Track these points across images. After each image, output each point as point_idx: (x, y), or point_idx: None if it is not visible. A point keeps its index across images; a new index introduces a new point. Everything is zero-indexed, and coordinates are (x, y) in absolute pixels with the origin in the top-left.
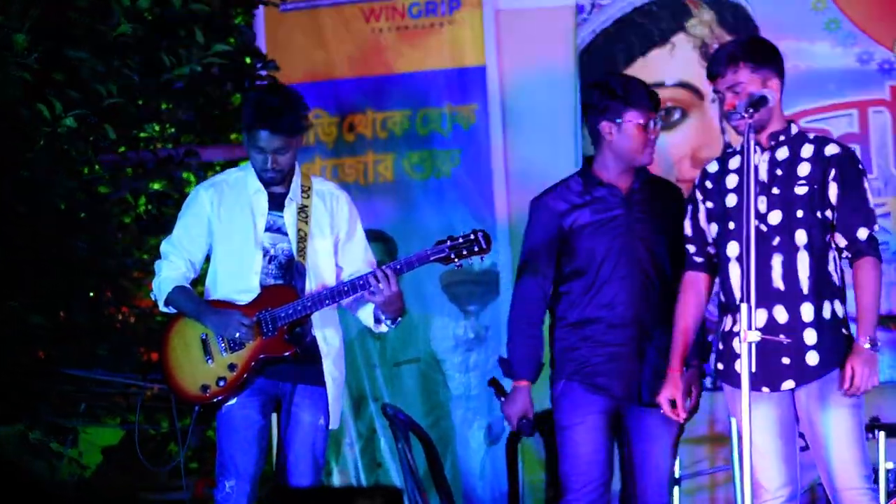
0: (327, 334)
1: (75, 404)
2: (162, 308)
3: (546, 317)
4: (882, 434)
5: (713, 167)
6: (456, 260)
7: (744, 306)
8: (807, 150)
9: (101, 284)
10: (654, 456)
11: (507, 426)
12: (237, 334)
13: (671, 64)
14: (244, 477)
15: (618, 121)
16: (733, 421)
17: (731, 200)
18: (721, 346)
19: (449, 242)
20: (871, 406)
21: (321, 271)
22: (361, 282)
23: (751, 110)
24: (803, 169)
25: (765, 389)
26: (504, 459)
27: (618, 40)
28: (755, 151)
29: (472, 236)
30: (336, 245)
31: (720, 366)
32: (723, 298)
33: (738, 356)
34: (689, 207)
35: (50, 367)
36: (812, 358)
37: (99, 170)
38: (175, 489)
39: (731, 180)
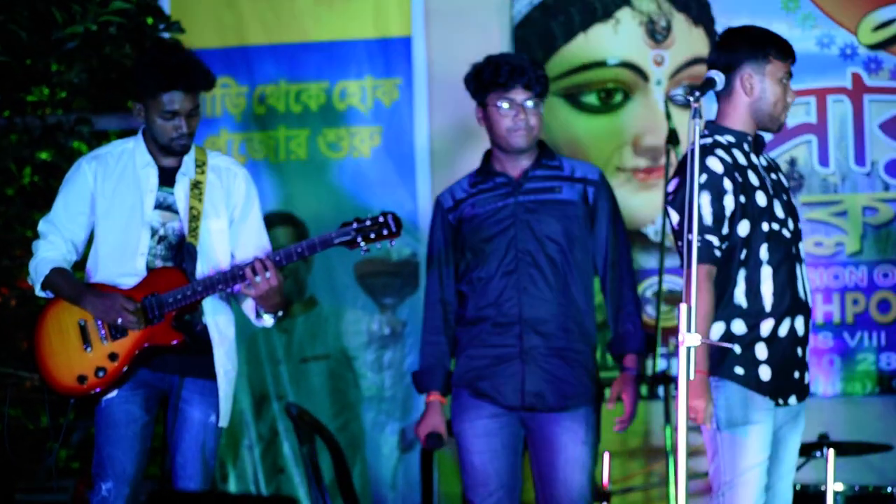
0: (219, 322)
1: None
2: (39, 292)
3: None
4: (831, 452)
5: (727, 156)
6: (363, 245)
7: (683, 306)
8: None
9: None
10: (559, 468)
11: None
12: (119, 320)
13: (614, 41)
14: (123, 479)
15: (485, 105)
16: (751, 429)
17: (760, 199)
18: (739, 351)
19: (355, 225)
20: (819, 422)
21: (214, 254)
22: (240, 272)
23: (696, 93)
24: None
25: (780, 401)
26: (418, 468)
27: (557, 14)
28: (750, 151)
29: (380, 219)
30: (230, 226)
31: (739, 370)
32: (743, 302)
33: (761, 362)
34: (709, 195)
35: None
36: (806, 376)
37: None
38: (53, 490)
39: (753, 177)
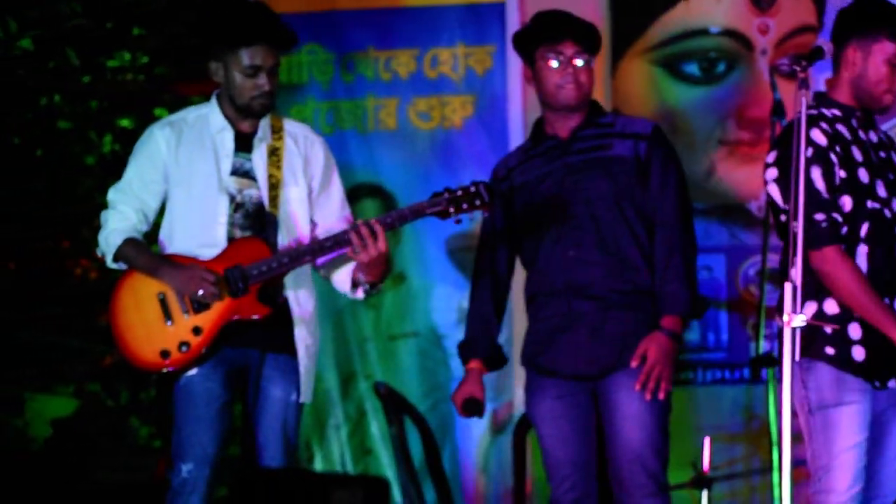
0: (300, 296)
1: (22, 369)
2: (110, 264)
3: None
4: None
5: (829, 128)
6: (455, 214)
7: (788, 286)
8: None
9: (58, 233)
10: (616, 424)
11: (515, 413)
12: (199, 292)
13: (717, 9)
14: (204, 460)
15: (534, 61)
16: (843, 410)
17: (863, 176)
18: (830, 331)
19: (447, 195)
20: None
21: (295, 224)
22: (345, 237)
23: (803, 63)
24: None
25: (877, 384)
26: (511, 451)
27: None
28: (858, 127)
29: (472, 188)
30: (309, 196)
31: (830, 350)
32: None
33: (854, 342)
34: (819, 168)
35: None
36: None
37: (59, 101)
38: (134, 469)
39: (857, 152)
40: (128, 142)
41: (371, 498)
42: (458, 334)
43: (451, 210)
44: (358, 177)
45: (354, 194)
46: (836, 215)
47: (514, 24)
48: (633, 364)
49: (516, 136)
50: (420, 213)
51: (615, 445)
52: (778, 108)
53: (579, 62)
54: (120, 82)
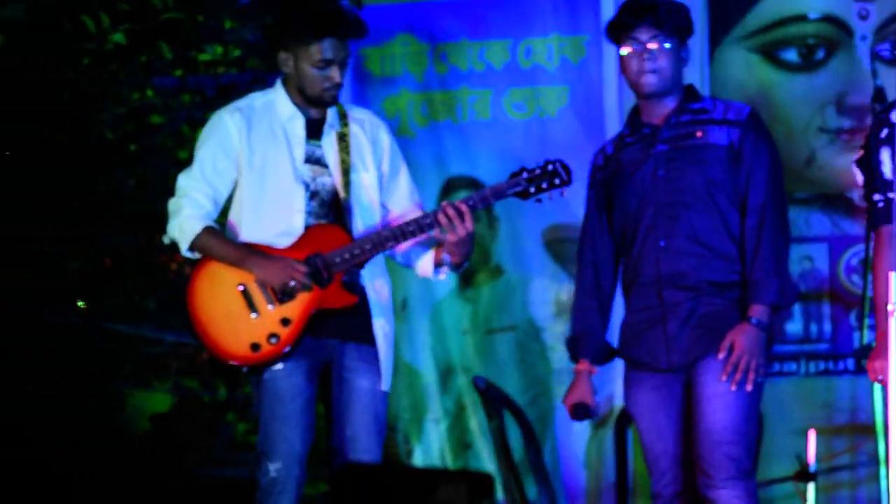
0: (376, 283)
1: (120, 364)
2: (185, 253)
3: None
4: None
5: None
6: (536, 194)
7: (892, 275)
8: None
9: (152, 228)
10: (699, 406)
11: (615, 407)
12: (292, 283)
13: None
14: (292, 458)
15: (621, 48)
16: None
17: None
18: None
19: (525, 174)
20: None
21: (368, 209)
22: (429, 220)
23: None
24: None
25: None
26: (612, 445)
27: None
28: None
29: (549, 167)
30: (380, 181)
31: None
32: None
33: None
34: (889, 150)
35: (90, 321)
36: None
37: (152, 95)
38: (232, 465)
39: None
40: None
41: (475, 493)
42: (557, 327)
43: (532, 190)
44: (452, 168)
45: (449, 186)
46: (891, 195)
47: (607, 12)
48: (720, 355)
49: (612, 125)
50: (501, 193)
51: (698, 429)
52: (879, 95)
53: (655, 46)
54: (212, 76)
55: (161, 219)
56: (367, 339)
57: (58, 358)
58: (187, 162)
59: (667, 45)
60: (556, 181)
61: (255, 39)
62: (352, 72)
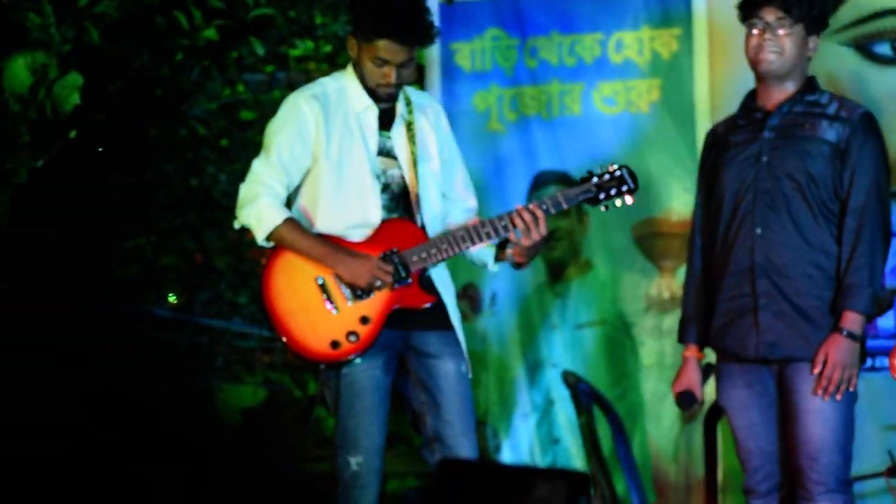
0: (442, 273)
1: (210, 359)
2: (260, 242)
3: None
4: None
5: None
6: (603, 201)
7: None
8: None
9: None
10: (794, 418)
11: (705, 401)
12: (378, 283)
13: None
14: (373, 451)
15: (746, 26)
16: None
17: None
18: None
19: (595, 180)
20: None
21: (432, 202)
22: (504, 223)
23: None
24: None
25: None
26: (702, 440)
27: None
28: None
29: (616, 172)
30: (441, 169)
31: None
32: None
33: None
34: None
35: (182, 316)
36: None
37: (243, 91)
38: (322, 460)
39: None
40: None
41: (573, 492)
42: (647, 322)
43: (601, 197)
44: (542, 163)
45: (540, 181)
46: None
47: (700, 5)
48: (814, 371)
49: (703, 121)
50: (572, 199)
51: (795, 439)
52: None
53: (779, 28)
54: (303, 71)
55: None
56: (445, 324)
57: (148, 352)
58: None
59: (791, 29)
60: (623, 188)
61: (346, 35)
62: (441, 67)
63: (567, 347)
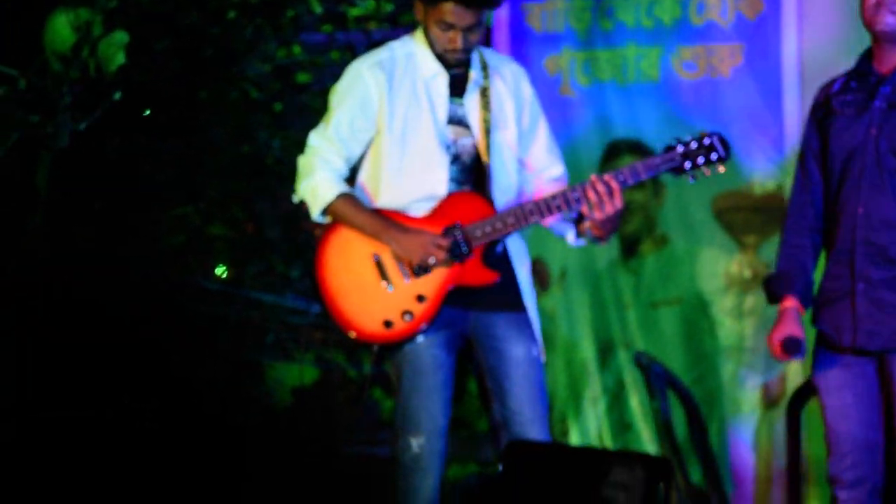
0: (519, 249)
1: (261, 335)
2: (316, 218)
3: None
4: None
5: None
6: (690, 171)
7: None
8: None
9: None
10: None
11: (788, 387)
12: (432, 260)
13: None
14: (436, 432)
15: None
16: None
17: None
18: None
19: (680, 148)
20: None
21: (506, 172)
22: (576, 195)
23: None
24: None
25: None
26: (784, 427)
27: None
28: None
29: (706, 140)
30: (519, 137)
31: None
32: None
33: None
34: None
35: (231, 289)
36: None
37: (299, 52)
38: (378, 443)
39: None
40: None
41: (652, 478)
42: (726, 301)
43: (687, 166)
44: (617, 132)
45: (613, 150)
46: None
47: None
48: None
49: (791, 87)
50: (653, 168)
51: (892, 429)
52: None
53: None
54: (363, 31)
55: None
56: (517, 306)
57: (195, 326)
58: None
59: None
60: (713, 157)
61: None
62: (510, 29)
63: (640, 327)
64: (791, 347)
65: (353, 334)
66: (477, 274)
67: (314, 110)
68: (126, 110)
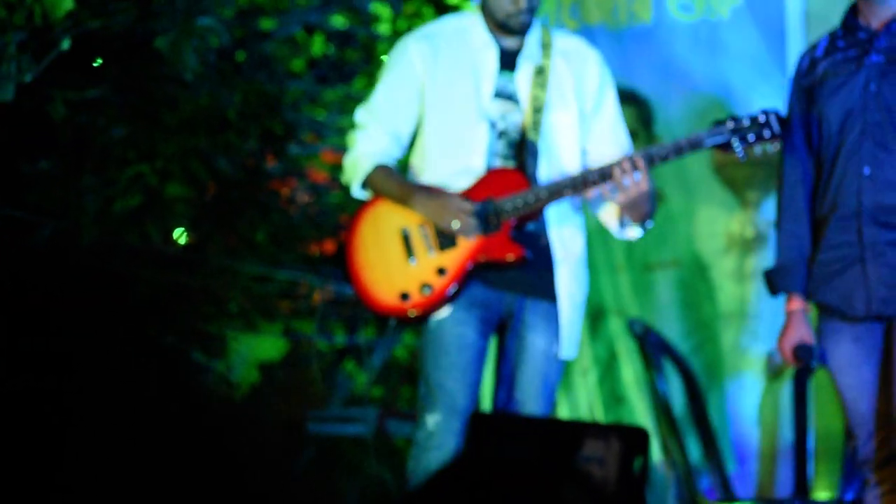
0: (565, 235)
1: (224, 305)
2: (356, 193)
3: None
4: None
5: None
6: (739, 150)
7: None
8: None
9: (262, 148)
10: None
11: None
12: (454, 222)
13: None
14: (454, 411)
15: None
16: None
17: None
18: None
19: (731, 125)
20: None
21: (559, 153)
22: (601, 172)
23: None
24: None
25: None
26: (790, 399)
27: None
28: None
29: (761, 118)
30: (581, 120)
31: None
32: None
33: None
34: None
35: (190, 254)
36: None
37: None
38: (351, 420)
39: None
40: (342, 44)
41: (628, 450)
42: (727, 263)
43: (736, 144)
44: None
45: None
46: None
47: None
48: None
49: (795, 29)
50: (698, 145)
51: None
52: None
53: None
54: None
55: (272, 138)
56: (550, 295)
57: (150, 295)
58: (304, 73)
59: None
60: (767, 135)
61: None
62: None
63: (634, 292)
64: (804, 354)
65: (371, 306)
66: (500, 248)
67: (280, 59)
68: (75, 60)
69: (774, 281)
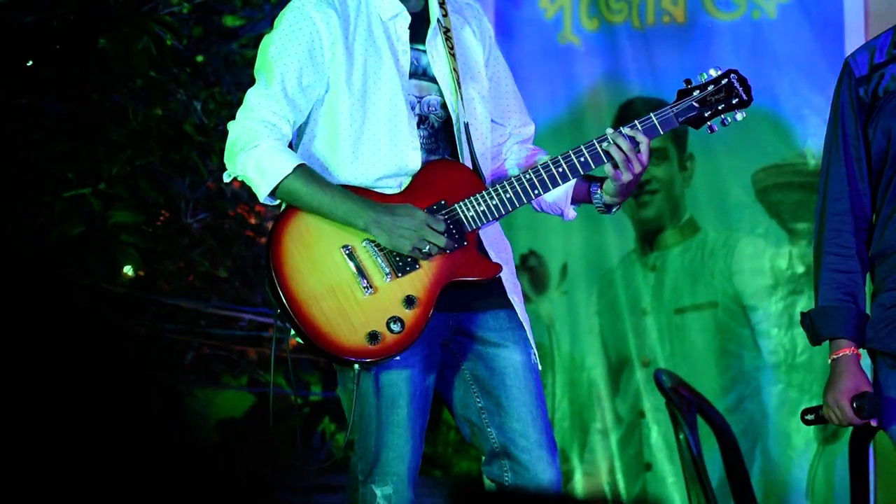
0: (493, 231)
1: (178, 353)
2: (264, 200)
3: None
4: None
5: None
6: (709, 119)
7: None
8: None
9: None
10: None
11: None
12: (426, 248)
13: None
14: (406, 479)
15: None
16: None
17: None
18: None
19: (696, 93)
20: None
21: (482, 134)
22: (593, 153)
23: None
24: None
25: None
26: (846, 466)
27: None
28: None
29: (723, 80)
30: (489, 89)
31: None
32: None
33: None
34: None
35: (139, 292)
36: None
37: None
38: (331, 490)
39: None
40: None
41: None
42: (773, 305)
43: (707, 114)
44: (632, 89)
45: (628, 110)
46: None
47: None
48: None
49: (855, 29)
50: (669, 123)
51: None
52: None
53: None
54: None
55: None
56: (501, 302)
57: (93, 344)
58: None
59: None
60: (734, 101)
61: None
62: None
63: (663, 340)
64: (868, 408)
65: (329, 351)
66: (478, 267)
67: (247, 63)
68: (4, 61)
69: (818, 327)
